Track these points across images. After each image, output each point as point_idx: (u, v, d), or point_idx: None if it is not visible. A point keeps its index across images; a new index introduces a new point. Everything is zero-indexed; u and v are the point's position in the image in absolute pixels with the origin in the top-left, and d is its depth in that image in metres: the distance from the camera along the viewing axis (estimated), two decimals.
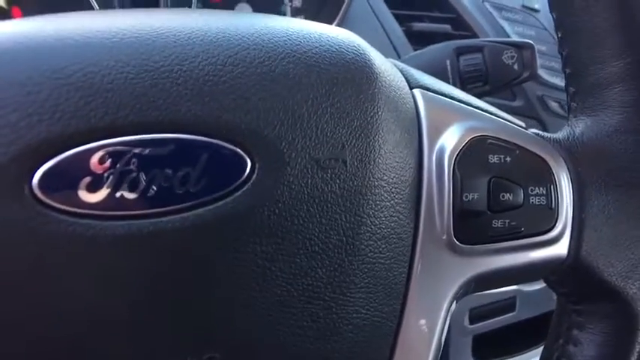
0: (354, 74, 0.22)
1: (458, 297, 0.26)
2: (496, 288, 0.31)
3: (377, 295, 0.23)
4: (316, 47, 0.22)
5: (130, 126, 0.19)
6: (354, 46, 0.23)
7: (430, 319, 0.25)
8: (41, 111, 0.18)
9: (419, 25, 0.56)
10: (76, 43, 0.20)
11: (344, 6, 0.53)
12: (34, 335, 0.19)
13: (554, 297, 0.80)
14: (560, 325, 0.29)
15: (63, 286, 0.19)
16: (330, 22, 0.56)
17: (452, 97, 0.27)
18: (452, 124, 0.25)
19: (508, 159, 0.25)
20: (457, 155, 0.25)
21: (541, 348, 0.78)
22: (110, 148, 0.19)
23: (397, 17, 0.57)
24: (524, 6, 0.59)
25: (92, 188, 0.19)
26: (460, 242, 0.24)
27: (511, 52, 0.38)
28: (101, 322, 0.19)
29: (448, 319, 0.25)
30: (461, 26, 0.57)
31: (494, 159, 0.25)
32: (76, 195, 0.18)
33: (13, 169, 0.18)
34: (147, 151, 0.19)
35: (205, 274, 0.20)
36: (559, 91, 0.57)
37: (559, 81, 0.56)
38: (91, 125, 0.18)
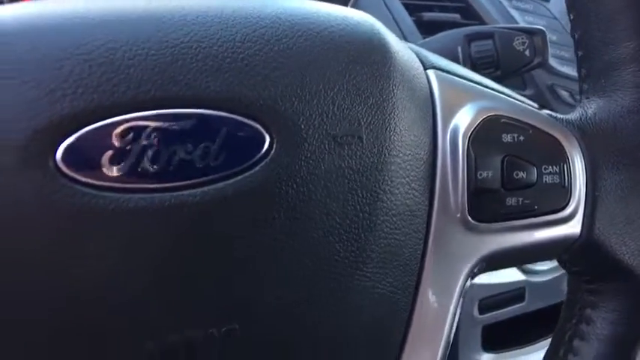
0: (370, 53, 0.23)
1: (471, 275, 0.26)
2: (509, 266, 0.32)
3: (392, 270, 0.23)
4: (332, 26, 0.23)
5: (151, 101, 0.19)
6: (370, 26, 0.24)
7: (444, 296, 0.25)
8: (64, 86, 0.19)
9: (428, 15, 0.56)
10: (96, 20, 0.20)
11: None
12: (57, 306, 0.19)
13: (564, 288, 0.80)
14: (573, 305, 0.29)
15: (85, 256, 0.19)
16: None
17: (465, 78, 0.27)
18: (466, 103, 0.25)
19: (522, 138, 0.26)
20: (471, 134, 0.25)
21: (550, 339, 0.79)
22: (132, 123, 0.19)
23: (407, 7, 0.57)
24: None
25: (114, 162, 0.19)
26: (474, 220, 0.25)
27: (522, 39, 0.38)
28: (123, 293, 0.19)
29: (462, 297, 0.26)
30: (470, 15, 0.57)
31: (507, 138, 0.25)
32: (99, 168, 0.19)
33: (37, 143, 0.18)
34: (168, 125, 0.19)
35: (224, 247, 0.20)
36: (569, 80, 0.57)
37: (570, 70, 0.56)
38: (113, 100, 0.19)
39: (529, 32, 0.39)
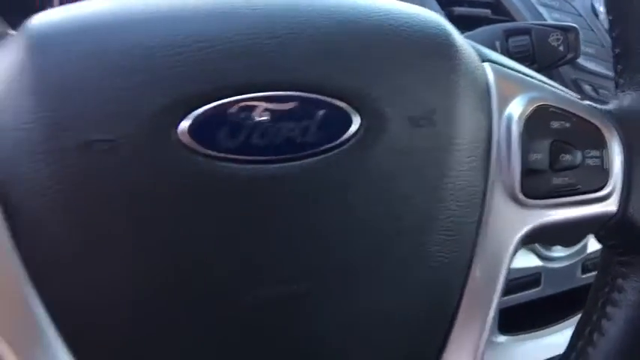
0: (441, 47, 0.26)
1: (519, 247, 0.29)
2: (552, 240, 0.35)
3: (453, 238, 0.26)
4: (407, 22, 0.26)
5: (261, 84, 0.22)
6: (438, 23, 0.27)
7: (495, 266, 0.28)
8: (190, 70, 0.22)
9: (460, 10, 0.59)
10: (203, 12, 0.23)
11: None
12: (172, 261, 0.22)
13: (578, 275, 0.83)
14: (606, 275, 0.32)
15: (204, 218, 0.22)
16: None
17: (516, 70, 0.30)
18: (518, 93, 0.28)
19: (567, 125, 0.29)
20: (524, 121, 0.28)
21: (564, 322, 0.82)
22: (245, 103, 0.22)
23: (439, 1, 0.60)
24: None
25: (229, 136, 0.22)
26: (524, 196, 0.28)
27: (557, 35, 0.41)
28: (230, 250, 0.23)
29: (509, 267, 0.29)
30: (500, 11, 0.60)
31: (555, 125, 0.28)
32: (216, 142, 0.22)
33: (165, 117, 0.22)
34: (274, 106, 0.22)
35: (315, 213, 0.23)
36: (593, 75, 0.59)
37: (593, 66, 0.59)
38: (230, 83, 0.22)
39: (563, 29, 0.41)
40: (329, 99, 0.23)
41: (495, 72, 0.29)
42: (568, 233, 0.33)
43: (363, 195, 0.24)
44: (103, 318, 0.23)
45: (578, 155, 0.28)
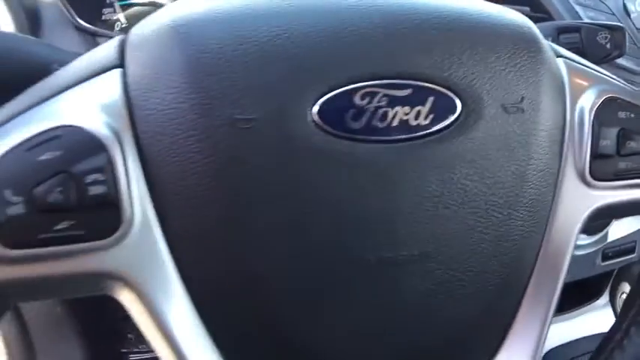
0: (529, 43, 0.29)
1: (585, 222, 0.32)
2: (616, 218, 0.38)
3: (532, 215, 0.29)
4: (501, 21, 0.29)
5: (382, 73, 0.25)
6: (526, 21, 0.30)
7: (564, 240, 0.31)
8: (324, 58, 0.25)
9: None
10: (335, 6, 0.26)
11: None
12: (310, 222, 0.25)
13: (597, 263, 0.87)
14: None
15: (334, 188, 0.25)
16: None
17: (586, 66, 0.33)
18: (589, 86, 0.32)
19: (632, 115, 0.32)
20: (595, 111, 0.31)
21: (580, 309, 0.86)
22: (368, 89, 0.25)
23: None
24: None
25: (355, 118, 0.25)
26: (592, 178, 0.31)
27: (605, 33, 0.44)
28: (357, 216, 0.26)
29: (576, 243, 0.32)
30: (538, 9, 0.63)
31: (622, 115, 0.32)
32: (344, 122, 0.25)
33: (302, 100, 0.25)
34: (393, 92, 0.26)
35: (427, 185, 0.27)
36: (625, 71, 0.63)
37: (625, 62, 0.62)
38: (357, 71, 0.25)
39: (611, 28, 0.44)
40: (438, 87, 0.26)
41: (568, 66, 0.32)
42: (629, 212, 0.36)
43: (463, 171, 0.27)
44: (234, 275, 0.26)
45: None
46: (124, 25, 0.62)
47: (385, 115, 0.25)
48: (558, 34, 0.44)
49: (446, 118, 0.26)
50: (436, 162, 0.26)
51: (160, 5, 0.62)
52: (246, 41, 0.25)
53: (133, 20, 0.62)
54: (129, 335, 0.93)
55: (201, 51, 0.25)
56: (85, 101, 0.25)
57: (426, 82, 0.26)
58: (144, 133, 0.25)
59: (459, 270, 0.28)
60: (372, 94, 0.25)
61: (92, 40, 0.57)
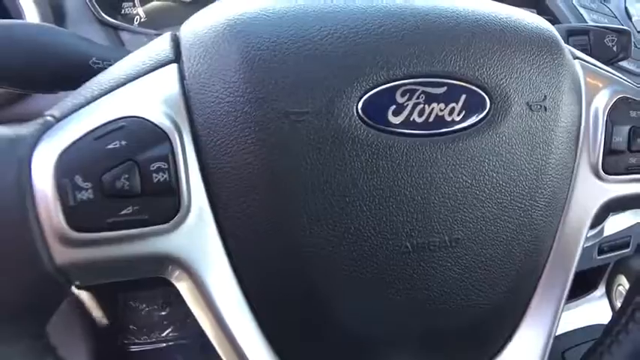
0: (551, 45, 0.31)
1: (598, 213, 0.35)
2: (626, 210, 0.40)
3: (552, 204, 0.32)
4: (524, 25, 0.31)
5: (420, 72, 0.28)
6: (547, 25, 0.32)
7: (578, 230, 0.34)
8: (369, 57, 0.27)
9: None
10: (373, 8, 0.28)
11: None
12: (352, 208, 0.27)
13: (594, 256, 0.89)
14: None
15: (376, 177, 0.27)
16: None
17: (600, 68, 0.35)
18: (603, 87, 0.34)
19: None
20: (608, 110, 0.33)
21: (576, 301, 0.89)
22: (408, 87, 0.27)
23: None
24: None
25: (396, 113, 0.27)
26: (605, 173, 0.33)
27: (612, 36, 0.47)
28: (395, 204, 0.28)
29: (588, 230, 0.35)
30: (545, 11, 0.65)
31: (633, 114, 0.34)
32: (385, 117, 0.27)
33: (349, 95, 0.27)
34: (430, 90, 0.28)
35: (458, 176, 0.29)
36: (625, 72, 0.65)
37: (625, 63, 0.65)
38: (398, 70, 0.27)
39: (618, 32, 0.47)
40: (470, 85, 0.28)
41: (584, 68, 0.34)
42: (638, 204, 0.39)
43: (491, 164, 0.29)
44: (280, 259, 0.28)
45: None
46: (143, 20, 0.64)
47: (422, 110, 0.28)
48: (568, 36, 0.47)
49: (476, 114, 0.29)
50: (468, 155, 0.29)
51: (180, 1, 0.64)
52: (299, 40, 0.27)
53: (151, 15, 0.64)
54: (131, 327, 0.94)
55: (257, 48, 0.26)
56: (146, 94, 0.27)
57: (460, 80, 0.28)
58: (200, 125, 0.27)
59: (485, 255, 0.30)
60: (412, 92, 0.27)
61: (114, 33, 0.59)
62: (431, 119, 0.28)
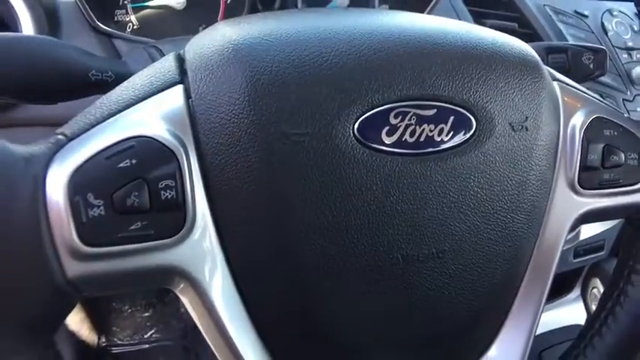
0: (533, 70, 0.33)
1: (574, 225, 0.37)
2: (598, 221, 0.43)
3: (529, 219, 0.34)
4: (510, 49, 0.33)
5: (413, 95, 0.29)
6: (529, 50, 0.34)
7: (555, 241, 0.36)
8: (365, 81, 0.29)
9: (490, 22, 0.67)
10: (367, 34, 0.30)
11: (432, 3, 0.64)
12: (348, 222, 0.29)
13: (570, 260, 0.93)
14: (631, 249, 0.41)
15: (371, 193, 0.29)
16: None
17: (577, 89, 0.38)
18: (580, 107, 0.36)
19: (615, 133, 0.37)
20: (584, 129, 0.36)
21: (552, 303, 0.92)
22: (401, 109, 0.29)
23: (471, 13, 0.68)
24: (575, 11, 0.70)
25: (389, 134, 0.29)
26: (581, 187, 0.36)
27: (589, 55, 0.49)
28: (387, 219, 0.30)
29: (565, 239, 0.37)
30: (524, 25, 0.68)
31: (607, 132, 0.36)
32: (379, 137, 0.29)
33: (347, 117, 0.29)
34: (420, 112, 0.30)
35: (447, 192, 0.31)
36: (601, 85, 0.68)
37: (604, 78, 0.68)
38: (392, 93, 0.29)
39: (594, 50, 0.50)
40: (458, 108, 0.30)
41: (562, 89, 0.37)
42: (612, 216, 0.41)
43: (476, 181, 0.31)
44: (277, 270, 0.30)
45: (622, 156, 0.37)
46: (136, 27, 0.65)
47: (414, 131, 0.30)
48: (547, 54, 0.49)
49: (463, 134, 0.31)
50: (455, 172, 0.31)
51: (172, 9, 0.65)
52: (300, 64, 0.28)
53: (144, 22, 0.65)
54: (114, 328, 0.95)
55: (261, 72, 0.28)
56: (154, 114, 0.28)
57: (449, 103, 0.30)
58: (206, 144, 0.28)
59: (469, 265, 0.33)
60: (404, 114, 0.29)
61: (108, 41, 0.60)
62: (422, 139, 0.30)
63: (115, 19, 0.64)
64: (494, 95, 0.32)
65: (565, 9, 0.70)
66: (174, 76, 0.30)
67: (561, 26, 0.67)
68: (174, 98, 0.29)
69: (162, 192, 0.27)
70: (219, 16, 0.68)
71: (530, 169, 0.33)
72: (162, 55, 0.46)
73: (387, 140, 0.29)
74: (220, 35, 0.30)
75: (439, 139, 0.30)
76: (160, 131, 0.27)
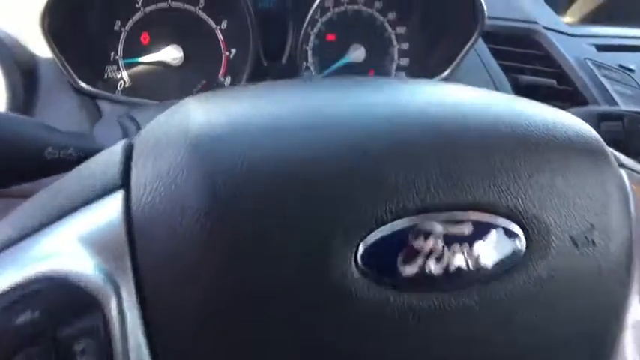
0: (597, 160, 0.25)
1: None
2: None
3: (597, 351, 0.25)
4: (568, 135, 0.25)
5: (438, 205, 0.21)
6: (592, 133, 0.26)
7: None
8: (365, 189, 0.21)
9: (525, 78, 0.59)
10: (369, 129, 0.22)
11: (458, 58, 0.56)
12: None
13: None
14: None
15: (377, 343, 0.21)
16: (440, 70, 0.59)
17: None
18: None
19: None
20: None
21: None
22: (424, 224, 0.21)
23: (502, 68, 0.60)
24: (620, 65, 0.62)
25: (407, 262, 0.21)
26: None
27: None
28: None
29: None
30: (564, 81, 0.60)
31: None
32: (394, 266, 0.21)
33: (341, 245, 0.20)
34: (451, 228, 0.21)
35: (476, 335, 0.22)
36: None
37: None
38: (405, 205, 0.21)
39: None
40: (501, 219, 0.22)
41: (631, 178, 0.28)
42: None
43: (525, 318, 0.23)
44: None
45: None
46: (127, 85, 0.59)
47: (441, 257, 0.21)
48: (599, 122, 0.41)
49: (508, 257, 0.22)
50: (491, 309, 0.22)
51: (169, 65, 0.59)
52: (280, 168, 0.21)
53: (137, 80, 0.59)
54: None
55: (224, 181, 0.20)
56: (77, 238, 0.20)
57: (491, 213, 0.22)
58: (149, 284, 0.20)
59: None
60: (427, 233, 0.21)
61: (91, 102, 0.53)
62: (451, 268, 0.21)
63: (105, 76, 0.58)
64: (548, 199, 0.23)
65: (609, 63, 0.62)
66: (114, 178, 0.22)
67: (605, 81, 0.59)
68: (110, 211, 0.21)
69: (79, 358, 0.19)
70: (221, 71, 0.62)
71: (598, 295, 0.25)
72: (139, 128, 0.39)
73: (405, 271, 0.21)
74: (178, 123, 0.23)
75: (475, 266, 0.22)
76: (82, 266, 0.19)
